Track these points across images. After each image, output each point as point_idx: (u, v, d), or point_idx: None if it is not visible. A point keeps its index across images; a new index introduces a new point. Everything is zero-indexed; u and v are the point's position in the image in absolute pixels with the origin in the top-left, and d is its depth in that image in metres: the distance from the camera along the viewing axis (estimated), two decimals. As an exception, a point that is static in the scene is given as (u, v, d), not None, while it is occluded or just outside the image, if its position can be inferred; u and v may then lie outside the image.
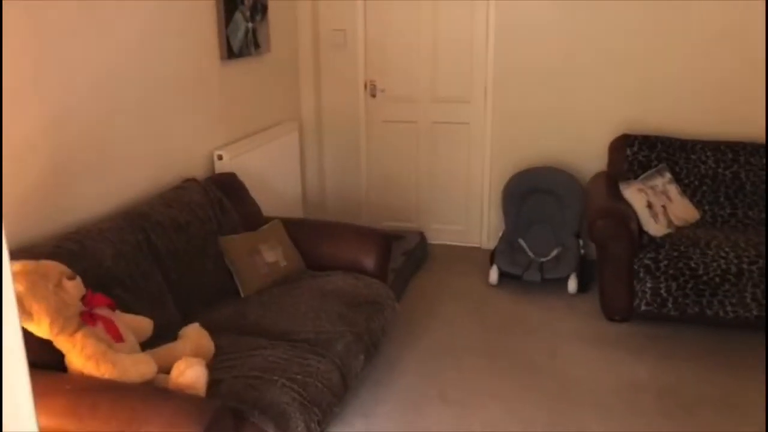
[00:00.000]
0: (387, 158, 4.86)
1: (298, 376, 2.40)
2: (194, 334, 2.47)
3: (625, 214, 3.64)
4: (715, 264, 3.42)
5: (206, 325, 2.56)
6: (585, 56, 4.31)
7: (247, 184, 3.64)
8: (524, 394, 3.08)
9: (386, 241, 3.39)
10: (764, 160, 3.92)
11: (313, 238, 3.41)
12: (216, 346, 2.50)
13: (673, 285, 3.46)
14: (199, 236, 3.05)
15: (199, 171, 3.58)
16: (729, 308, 3.42)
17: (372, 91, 4.77)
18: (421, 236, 4.66)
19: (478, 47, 4.50)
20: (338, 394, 2.55)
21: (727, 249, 3.47)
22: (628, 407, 2.97)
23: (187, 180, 3.32)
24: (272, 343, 2.58)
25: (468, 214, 4.83)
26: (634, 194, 3.77)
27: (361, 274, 3.25)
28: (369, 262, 3.30)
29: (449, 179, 4.79)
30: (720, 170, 3.96)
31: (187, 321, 2.63)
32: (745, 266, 3.39)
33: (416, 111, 4.73)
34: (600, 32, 4.25)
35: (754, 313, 3.39)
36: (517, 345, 3.50)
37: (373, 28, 4.65)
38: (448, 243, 4.86)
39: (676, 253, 3.49)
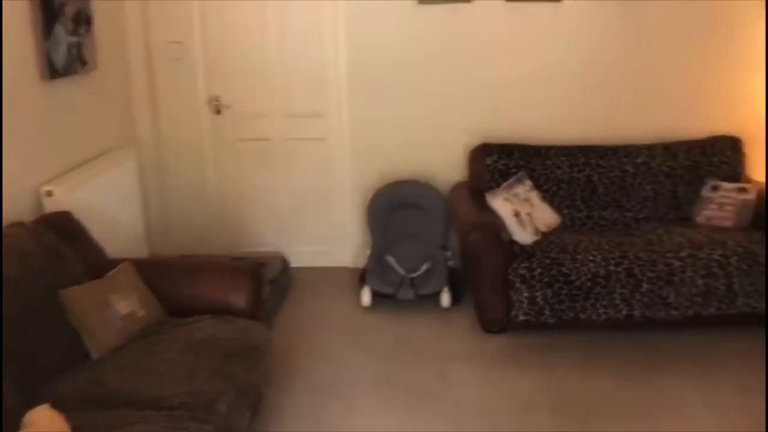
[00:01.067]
0: (239, 179, 4.50)
1: (182, 453, 2.03)
2: (43, 420, 2.01)
3: (496, 226, 3.60)
4: (585, 268, 3.47)
5: (57, 403, 2.09)
6: (440, 67, 4.26)
7: (85, 222, 3.14)
8: (423, 426, 2.91)
9: (256, 274, 3.07)
10: (612, 162, 4.08)
11: (172, 279, 3.00)
12: (73, 428, 2.05)
13: (549, 292, 3.47)
14: (34, 293, 2.53)
15: (24, 212, 3.03)
16: (601, 311, 3.49)
17: (216, 107, 4.39)
18: (284, 261, 4.35)
19: (329, 59, 4.29)
20: (226, 464, 2.21)
21: (594, 252, 3.53)
22: (524, 426, 2.90)
23: (12, 225, 2.76)
24: (143, 415, 2.18)
25: (331, 234, 4.60)
26: (501, 204, 3.75)
27: (232, 315, 2.90)
28: (239, 300, 2.96)
29: (309, 198, 4.53)
30: (574, 174, 4.07)
31: (30, 402, 2.14)
32: (612, 268, 3.47)
33: (268, 127, 4.42)
34: (453, 43, 4.22)
35: (624, 313, 3.49)
36: (405, 372, 3.33)
37: (214, 39, 4.28)
38: (313, 265, 4.59)
39: (548, 261, 3.51)
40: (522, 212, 3.76)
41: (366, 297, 3.99)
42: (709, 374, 3.25)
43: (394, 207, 4.23)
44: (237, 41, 4.28)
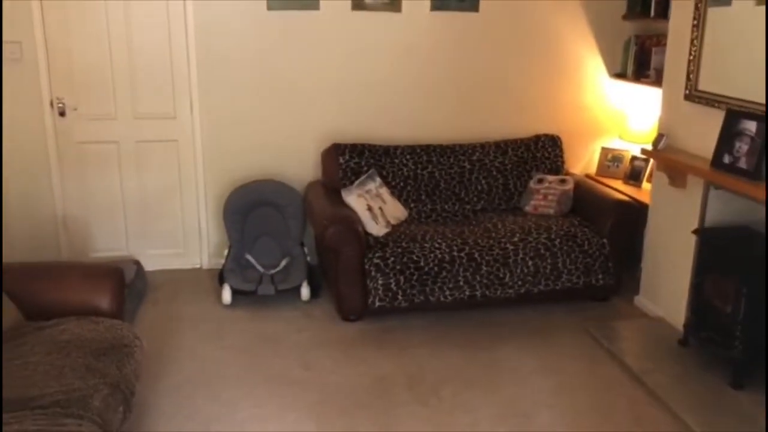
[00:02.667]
0: (87, 183, 4.37)
1: (62, 448, 2.05)
2: None
3: (352, 219, 3.84)
4: (432, 255, 3.81)
5: None
6: (291, 70, 4.42)
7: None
8: (290, 412, 3.06)
9: (120, 276, 3.06)
10: (451, 159, 4.47)
11: (30, 284, 2.92)
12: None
13: (401, 279, 3.76)
14: None
15: None
16: (447, 292, 3.83)
17: (60, 109, 4.24)
18: (138, 265, 4.30)
19: (178, 59, 4.30)
20: (104, 457, 2.24)
21: (440, 241, 3.88)
22: (386, 402, 3.15)
23: None
24: (15, 416, 2.16)
25: (185, 236, 4.60)
26: (355, 200, 4.00)
27: (97, 316, 2.88)
28: (103, 301, 2.94)
29: (161, 201, 4.50)
30: (419, 171, 4.41)
31: None
32: (455, 254, 3.83)
33: (117, 130, 4.35)
34: (303, 47, 4.40)
35: (467, 293, 3.86)
36: (269, 364, 3.46)
37: (56, 39, 4.13)
38: (168, 268, 4.57)
39: (399, 250, 3.80)
40: (374, 207, 4.03)
41: (226, 295, 4.07)
42: (542, 343, 3.70)
43: (251, 206, 4.33)
44: (81, 41, 4.17)
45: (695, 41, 3.53)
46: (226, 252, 4.30)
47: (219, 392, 3.19)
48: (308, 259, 4.34)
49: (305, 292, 4.15)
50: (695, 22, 3.52)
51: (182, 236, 4.60)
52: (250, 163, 4.50)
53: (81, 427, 2.19)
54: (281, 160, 4.53)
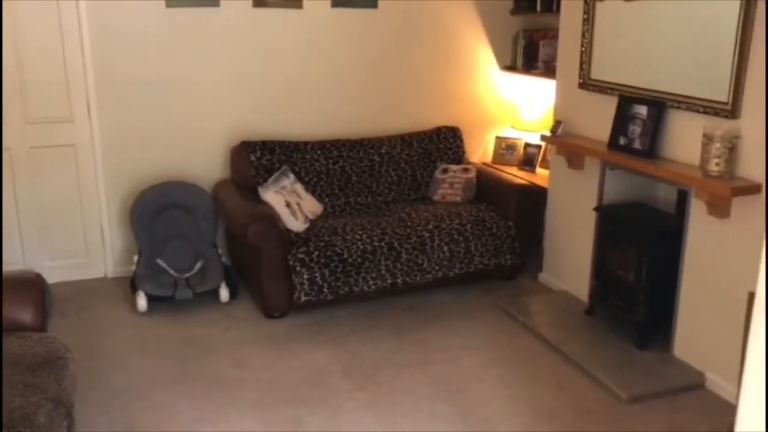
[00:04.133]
0: (-26, 194, 4.06)
1: (20, 467, 1.94)
2: None
3: (273, 216, 3.84)
4: (354, 247, 3.88)
5: None
6: (193, 68, 4.33)
7: None
8: (231, 411, 3.04)
9: (40, 285, 2.90)
10: (361, 153, 4.56)
11: (-60, 302, 2.70)
12: None
13: (326, 272, 3.81)
14: None
15: None
16: (371, 282, 3.93)
17: (-61, 116, 3.91)
18: (38, 277, 4.03)
19: (72, 59, 4.08)
20: (59, 474, 2.14)
21: (360, 232, 3.96)
22: (325, 392, 3.19)
23: None
24: (-41, 441, 2.02)
25: (88, 244, 4.38)
26: (272, 197, 3.99)
27: (21, 331, 2.72)
28: (26, 315, 2.77)
29: (59, 209, 4.26)
30: (330, 166, 4.46)
31: None
32: (376, 244, 3.93)
33: (7, 136, 4.06)
34: (204, 44, 4.32)
35: (389, 281, 3.97)
36: (199, 366, 3.39)
37: (-69, 39, 3.81)
38: (70, 279, 4.33)
39: (322, 244, 3.84)
40: (292, 203, 4.04)
41: (142, 302, 3.93)
42: (464, 322, 3.88)
43: (159, 209, 4.20)
44: (-39, 41, 3.87)
45: (586, 33, 3.83)
46: (136, 258, 4.15)
47: (153, 399, 3.10)
48: (223, 260, 4.27)
49: (224, 293, 4.09)
50: (585, 16, 3.82)
51: (84, 245, 4.38)
52: (154, 165, 4.36)
53: (31, 446, 2.09)
54: (187, 160, 4.43)
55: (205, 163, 4.47)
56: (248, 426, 2.92)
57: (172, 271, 4.08)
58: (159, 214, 4.20)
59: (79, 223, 4.34)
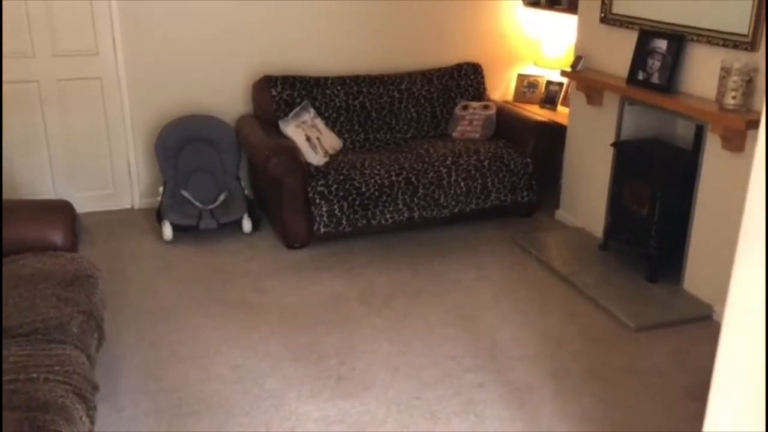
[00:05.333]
0: (7, 125, 4.18)
1: (55, 367, 2.10)
2: None
3: (293, 149, 3.92)
4: (372, 181, 3.96)
5: None
6: (217, 2, 4.36)
7: None
8: (253, 332, 3.19)
9: (70, 209, 3.03)
10: (380, 90, 4.59)
11: (-24, 222, 2.84)
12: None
13: (345, 204, 3.91)
14: None
15: None
16: (388, 215, 4.02)
17: (-30, 48, 4.02)
18: (68, 205, 4.19)
19: (97, -7, 4.15)
20: (92, 379, 2.30)
21: (378, 167, 4.03)
22: (343, 316, 3.33)
23: None
24: (-1, 344, 2.17)
25: (115, 176, 4.52)
26: (293, 130, 4.07)
27: (54, 251, 2.86)
28: (58, 237, 2.91)
29: (87, 141, 4.38)
30: (350, 102, 4.51)
31: None
32: (394, 179, 4.01)
33: (35, 68, 4.16)
34: (226, -22, 4.34)
35: (406, 215, 4.06)
36: (223, 292, 3.54)
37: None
38: (98, 210, 4.49)
39: (341, 177, 3.93)
40: (312, 137, 4.11)
41: (168, 231, 4.07)
42: (478, 256, 3.97)
43: (184, 142, 4.30)
44: (-12, -26, 3.94)
45: (609, -33, 3.78)
46: (161, 189, 4.28)
47: (179, 320, 3.26)
48: (246, 192, 4.39)
49: (247, 224, 4.21)
50: (608, -51, 3.77)
51: (111, 176, 4.52)
52: (178, 99, 4.45)
53: (66, 351, 2.24)
54: (210, 94, 4.50)
55: (227, 97, 4.54)
56: (269, 346, 3.07)
57: (196, 203, 4.21)
58: (183, 147, 4.30)
59: (107, 156, 4.46)
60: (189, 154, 4.32)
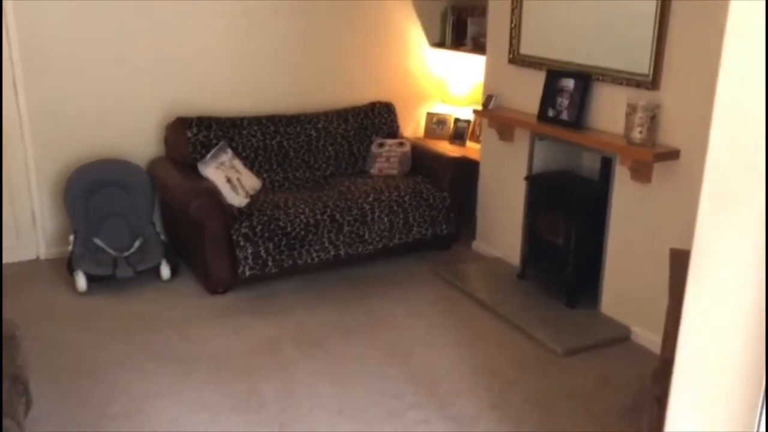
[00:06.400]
0: None
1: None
2: None
3: (214, 191, 3.85)
4: (297, 220, 3.95)
5: None
6: (126, 41, 4.24)
7: None
8: (186, 384, 3.07)
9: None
10: (298, 129, 4.60)
11: None
12: None
13: (270, 245, 3.86)
14: None
15: None
16: (314, 254, 4.01)
17: None
18: (-32, 261, 3.92)
19: (-5, 35, 3.94)
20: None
21: (302, 206, 4.03)
22: (277, 362, 3.27)
23: None
24: None
25: (17, 226, 4.25)
26: (213, 172, 4.00)
27: (-33, 312, 2.66)
28: (-30, 296, 2.72)
29: (-13, 190, 4.12)
30: (268, 141, 4.49)
31: None
32: (319, 217, 4.01)
33: (-73, 114, 3.88)
34: (137, 19, 4.23)
35: (332, 253, 4.07)
36: (148, 343, 3.40)
37: None
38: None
39: (266, 218, 3.89)
40: (233, 178, 4.06)
41: (81, 281, 3.87)
42: (406, 291, 4.03)
43: (95, 187, 4.12)
44: None
45: (515, 11, 4.01)
46: (71, 238, 4.07)
47: (105, 376, 3.10)
48: (162, 237, 4.25)
49: (165, 271, 4.07)
50: (514, -6, 4.00)
51: (14, 226, 4.25)
52: (87, 142, 4.27)
53: (-4, 420, 2.09)
54: (120, 137, 4.35)
55: (138, 140, 4.41)
56: (205, 397, 2.97)
57: (110, 250, 4.03)
58: (94, 192, 4.12)
59: (8, 204, 4.20)
60: (100, 200, 4.14)
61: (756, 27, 1.29)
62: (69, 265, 3.99)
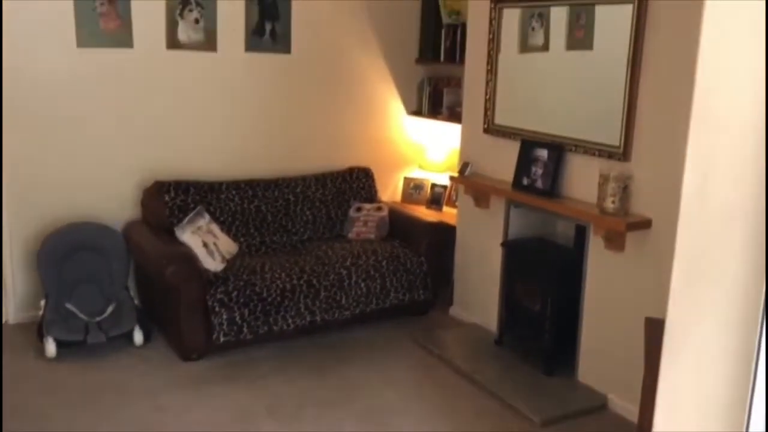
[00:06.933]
0: None
1: None
2: None
3: (191, 256, 3.83)
4: (274, 285, 3.93)
5: None
6: (105, 106, 4.28)
7: None
8: (157, 453, 2.99)
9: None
10: (276, 193, 4.63)
11: None
12: None
13: (246, 311, 3.83)
14: None
15: None
16: (290, 320, 3.98)
17: None
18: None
19: (-25, 99, 3.95)
20: None
21: (279, 271, 4.02)
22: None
23: None
24: None
25: (-13, 289, 4.17)
26: (190, 237, 3.98)
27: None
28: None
29: (-42, 253, 4.05)
30: (246, 206, 4.50)
31: None
32: (295, 282, 4.00)
33: None
34: (117, 84, 4.29)
35: (308, 319, 4.04)
36: (118, 412, 3.31)
37: None
38: (-33, 327, 4.10)
39: (242, 283, 3.87)
40: (209, 243, 4.04)
41: (51, 348, 3.78)
42: (383, 357, 4.00)
43: (69, 251, 4.07)
44: None
45: (489, 83, 4.13)
46: (43, 302, 3.99)
47: (72, 449, 3.00)
48: (135, 302, 4.19)
49: (138, 336, 4.00)
50: (489, 67, 4.12)
51: (-18, 290, 4.17)
52: (62, 205, 4.24)
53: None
54: (96, 200, 4.34)
55: (115, 202, 4.39)
56: (175, 470, 2.89)
57: (82, 315, 3.95)
58: (68, 256, 4.07)
59: (-22, 268, 4.13)
60: (74, 264, 4.09)
61: (721, 106, 1.35)
62: (39, 331, 3.91)
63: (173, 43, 4.41)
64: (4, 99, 3.99)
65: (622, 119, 3.30)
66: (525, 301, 3.95)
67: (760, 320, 1.35)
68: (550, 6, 3.71)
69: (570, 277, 3.69)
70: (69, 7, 4.06)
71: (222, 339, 3.80)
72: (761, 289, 1.33)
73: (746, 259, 1.35)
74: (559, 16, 3.68)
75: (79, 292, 4.07)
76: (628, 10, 3.23)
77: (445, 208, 5.19)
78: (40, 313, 3.97)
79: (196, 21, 4.43)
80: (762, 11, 1.26)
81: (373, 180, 5.03)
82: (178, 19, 4.38)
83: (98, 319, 3.96)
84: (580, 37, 3.58)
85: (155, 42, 4.35)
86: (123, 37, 4.24)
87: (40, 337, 3.87)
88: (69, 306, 3.99)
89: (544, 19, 3.76)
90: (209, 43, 4.52)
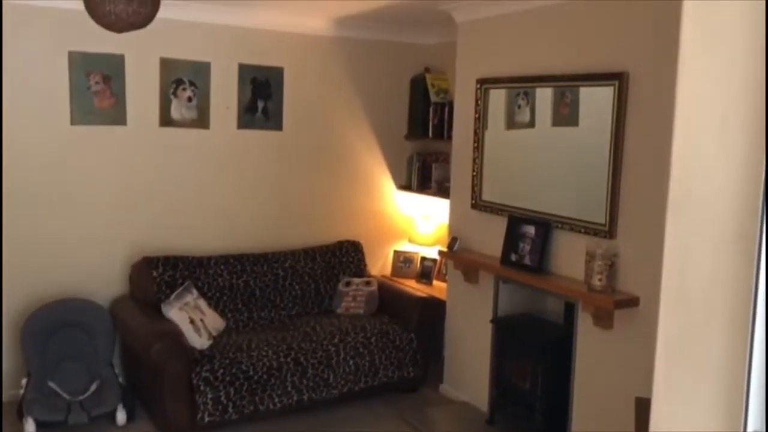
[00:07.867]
0: None
1: None
2: None
3: (177, 334, 3.79)
4: (260, 363, 3.87)
5: None
6: (95, 181, 4.31)
7: None
8: None
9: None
10: (264, 268, 4.62)
11: None
12: None
13: (231, 390, 3.76)
14: None
15: None
16: (276, 399, 3.90)
17: None
18: None
19: (-33, 175, 3.98)
20: None
21: (265, 348, 3.97)
22: None
23: None
24: None
25: (-32, 367, 4.09)
26: (176, 314, 3.95)
27: None
28: None
29: (-60, 329, 3.99)
30: (234, 281, 4.48)
31: None
32: (282, 360, 3.94)
33: None
34: (108, 161, 4.33)
35: (295, 398, 3.96)
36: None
37: None
38: (-55, 407, 4.00)
39: (228, 361, 3.81)
40: (196, 319, 4.00)
41: (30, 429, 3.68)
42: (370, 437, 3.91)
43: (54, 328, 4.01)
44: None
45: (476, 159, 4.20)
46: (24, 381, 3.91)
47: None
48: (120, 380, 4.11)
49: (121, 416, 3.91)
50: (475, 144, 4.20)
51: (-37, 368, 4.08)
52: (48, 281, 4.21)
53: None
54: (83, 276, 4.31)
55: (104, 278, 4.37)
56: None
57: (64, 394, 3.86)
58: (52, 333, 4.01)
59: (-40, 345, 4.06)
60: (59, 342, 4.02)
61: (697, 189, 1.38)
62: (19, 410, 3.81)
63: (166, 120, 4.48)
64: (-5, 175, 4.03)
65: (607, 196, 3.34)
66: (516, 379, 3.89)
67: (744, 403, 1.34)
68: (535, 88, 3.81)
69: (560, 354, 3.65)
70: (64, 85, 4.15)
71: (207, 419, 3.71)
72: (743, 371, 1.33)
73: (728, 344, 1.35)
74: (544, 94, 3.77)
75: (63, 369, 4.00)
76: (609, 91, 3.32)
77: (435, 282, 5.18)
78: (21, 392, 3.88)
79: (189, 99, 4.52)
80: (738, 99, 1.30)
81: (362, 254, 5.03)
82: (172, 97, 4.47)
83: (81, 398, 3.88)
84: (565, 113, 3.66)
85: (148, 119, 4.42)
86: (117, 115, 4.32)
87: (20, 417, 3.77)
88: (51, 384, 3.90)
89: (530, 98, 3.86)
90: (202, 120, 4.60)
